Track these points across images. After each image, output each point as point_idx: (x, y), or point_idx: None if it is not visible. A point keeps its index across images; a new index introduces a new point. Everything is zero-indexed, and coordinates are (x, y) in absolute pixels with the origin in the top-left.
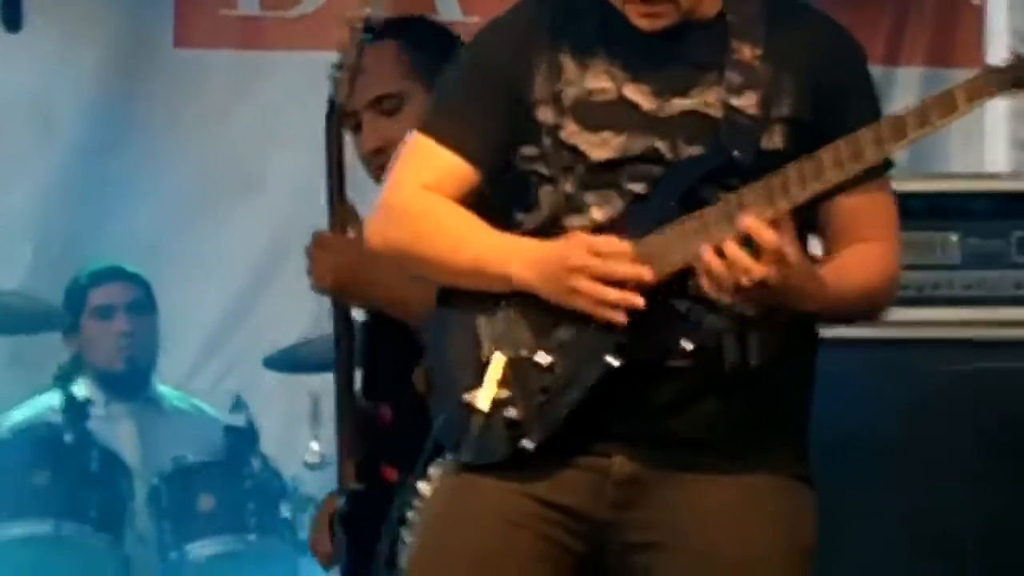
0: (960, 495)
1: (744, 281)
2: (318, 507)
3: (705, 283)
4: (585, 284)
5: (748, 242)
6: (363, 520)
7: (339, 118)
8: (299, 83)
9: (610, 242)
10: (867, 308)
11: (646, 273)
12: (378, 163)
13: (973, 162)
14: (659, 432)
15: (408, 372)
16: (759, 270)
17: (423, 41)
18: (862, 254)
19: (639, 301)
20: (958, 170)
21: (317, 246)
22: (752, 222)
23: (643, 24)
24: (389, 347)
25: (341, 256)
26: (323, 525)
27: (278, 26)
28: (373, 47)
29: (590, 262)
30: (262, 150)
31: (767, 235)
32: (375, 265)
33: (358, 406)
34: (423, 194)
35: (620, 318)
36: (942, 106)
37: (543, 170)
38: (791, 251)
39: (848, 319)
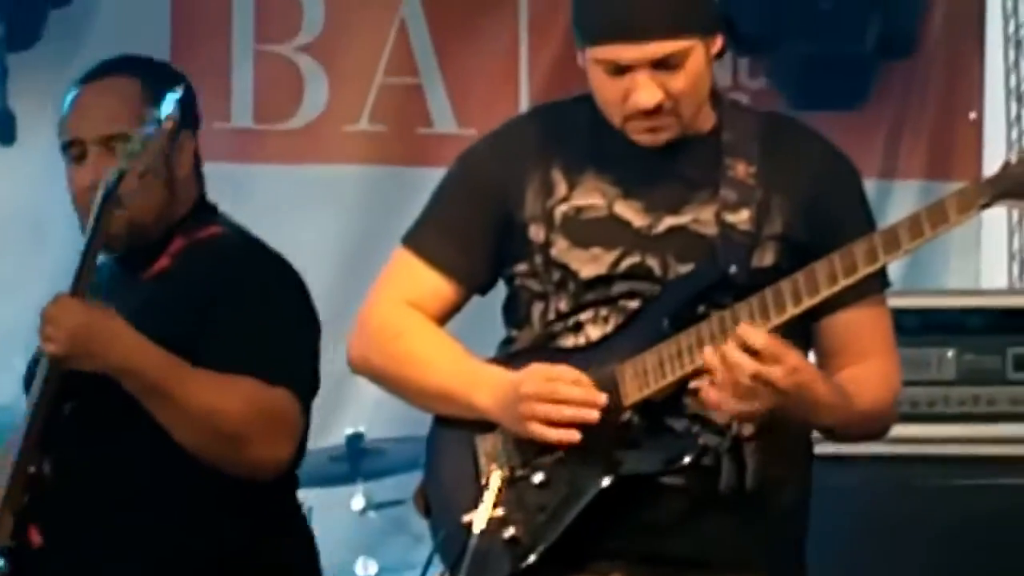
0: None
1: (744, 380)
2: None
3: (706, 391)
4: (536, 408)
5: (746, 350)
6: None
7: (109, 214)
8: (293, 195)
9: (565, 370)
10: (876, 425)
11: (599, 397)
12: (90, 199)
13: (970, 277)
14: (655, 550)
15: (87, 433)
16: (754, 366)
17: (163, 84)
18: (870, 370)
19: (592, 416)
20: (955, 285)
21: (57, 306)
22: (744, 327)
23: (645, 140)
24: (73, 405)
25: (79, 320)
26: None
27: (272, 139)
28: (111, 79)
29: (542, 388)
30: None
31: (759, 338)
32: (111, 333)
33: (28, 456)
34: (400, 313)
35: (572, 438)
36: (934, 216)
37: (535, 287)
38: (790, 354)
39: (858, 437)
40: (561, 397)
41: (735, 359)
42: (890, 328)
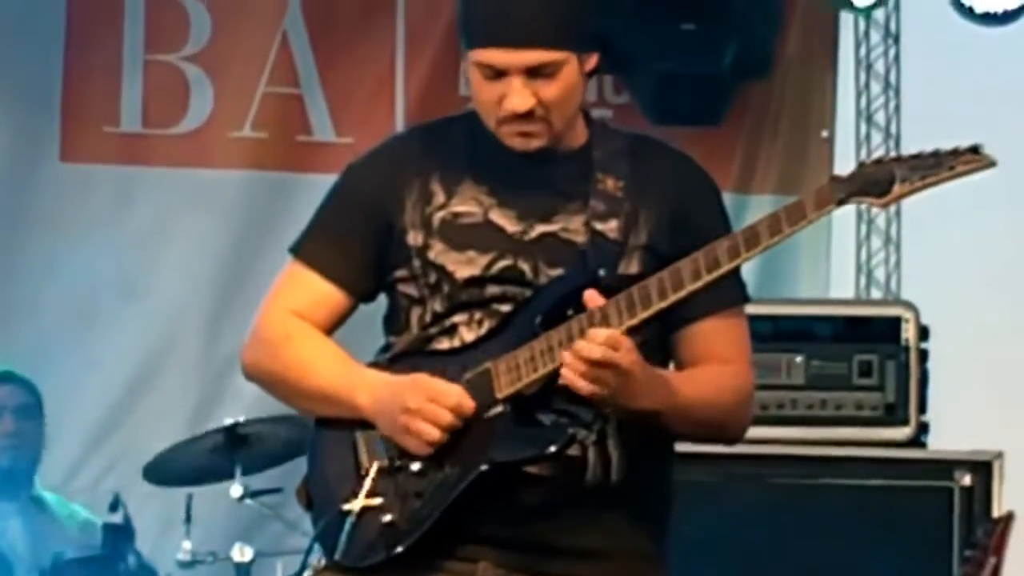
0: None
1: (592, 366)
2: None
3: (565, 374)
4: (418, 425)
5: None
6: None
7: None
8: (179, 198)
9: (448, 391)
10: (717, 423)
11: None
12: None
13: (820, 287)
14: (522, 537)
15: None
16: (600, 349)
17: None
18: (715, 371)
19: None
20: (806, 294)
21: None
22: (592, 331)
23: (516, 143)
24: None
25: None
26: None
27: (159, 143)
28: None
29: (425, 407)
30: (144, 261)
31: (602, 333)
32: None
33: None
34: (288, 321)
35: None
36: (792, 215)
37: (413, 292)
38: (624, 338)
39: (698, 430)
40: (444, 424)
41: (585, 348)
42: (746, 340)
